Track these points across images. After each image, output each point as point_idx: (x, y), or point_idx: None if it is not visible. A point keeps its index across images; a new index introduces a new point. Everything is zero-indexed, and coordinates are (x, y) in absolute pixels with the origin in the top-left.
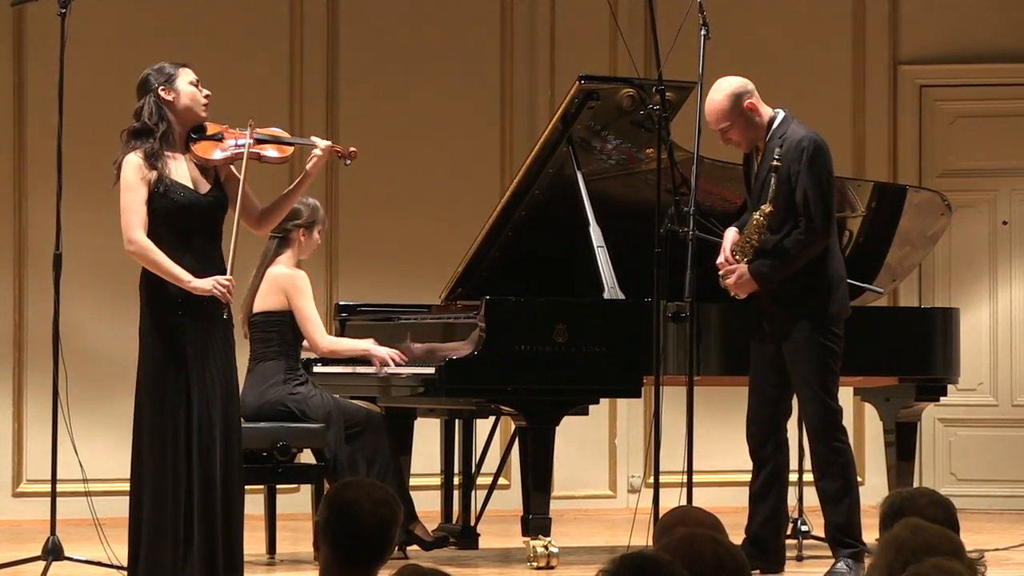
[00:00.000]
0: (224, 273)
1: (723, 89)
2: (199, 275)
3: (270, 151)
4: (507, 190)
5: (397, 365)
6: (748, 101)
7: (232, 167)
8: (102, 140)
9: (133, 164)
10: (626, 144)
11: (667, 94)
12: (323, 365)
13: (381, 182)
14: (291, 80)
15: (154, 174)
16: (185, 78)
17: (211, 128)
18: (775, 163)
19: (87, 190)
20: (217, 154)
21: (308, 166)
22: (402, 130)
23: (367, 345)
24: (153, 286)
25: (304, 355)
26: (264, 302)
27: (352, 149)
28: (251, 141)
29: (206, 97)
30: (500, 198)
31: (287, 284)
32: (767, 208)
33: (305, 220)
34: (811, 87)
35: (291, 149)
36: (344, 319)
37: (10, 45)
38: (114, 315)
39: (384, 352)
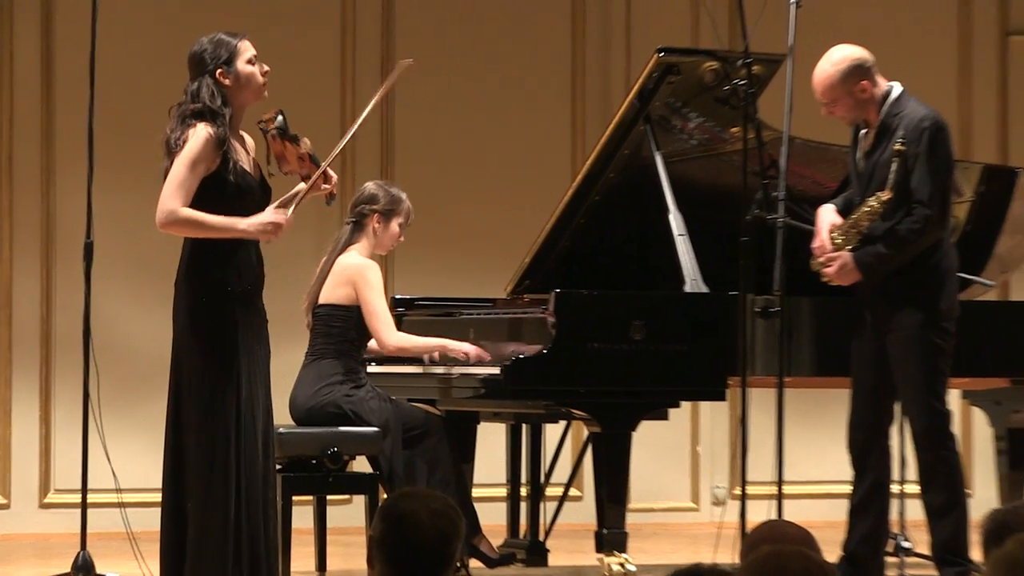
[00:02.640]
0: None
1: (836, 61)
2: (252, 269)
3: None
4: (579, 173)
5: (478, 363)
6: (862, 81)
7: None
8: (136, 119)
9: (205, 138)
10: (709, 123)
11: (754, 67)
12: (377, 364)
13: (441, 166)
14: (343, 55)
15: (220, 158)
16: (243, 56)
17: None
18: (899, 147)
19: (120, 173)
20: (294, 165)
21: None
22: (463, 109)
23: (443, 341)
24: (204, 276)
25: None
26: (330, 294)
27: (334, 192)
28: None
29: (265, 74)
30: (571, 182)
31: (355, 276)
32: (886, 195)
33: (382, 206)
34: (912, 61)
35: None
36: (401, 314)
37: (38, 19)
38: (150, 308)
39: (464, 346)
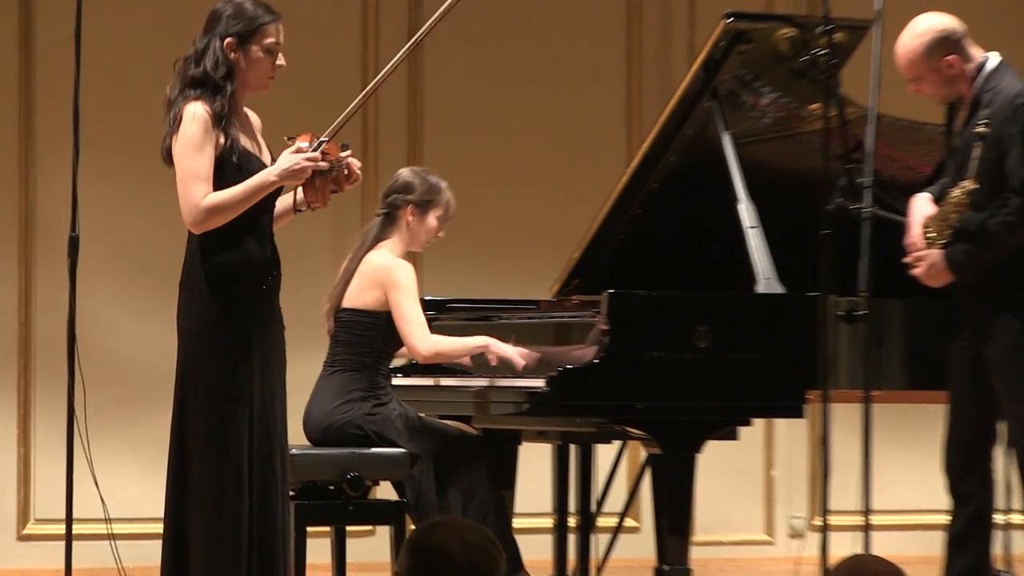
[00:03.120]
0: (278, 265)
1: (920, 33)
2: (268, 265)
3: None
4: (635, 157)
5: (527, 368)
6: (950, 55)
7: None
8: (127, 97)
9: (201, 118)
10: (784, 98)
11: (836, 35)
12: (403, 376)
13: (476, 150)
14: (364, 16)
15: (223, 138)
16: (263, 40)
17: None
18: (981, 129)
19: (110, 156)
20: (323, 199)
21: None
22: (502, 84)
23: (483, 341)
24: (213, 273)
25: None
26: (356, 297)
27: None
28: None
29: (276, 69)
30: (626, 167)
31: (385, 278)
32: (970, 184)
33: (418, 196)
34: (1014, 28)
35: None
36: (431, 318)
37: None
38: (147, 311)
39: (508, 349)
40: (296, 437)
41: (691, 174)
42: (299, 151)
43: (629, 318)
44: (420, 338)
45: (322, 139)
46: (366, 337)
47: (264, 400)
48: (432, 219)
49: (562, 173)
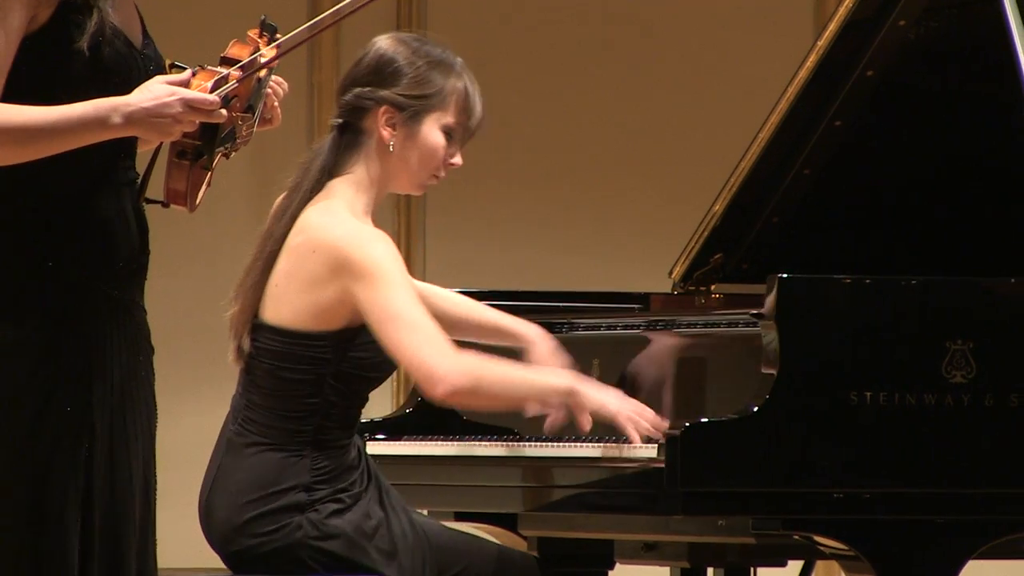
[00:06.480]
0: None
1: None
2: (122, 238)
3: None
4: (828, 26)
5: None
6: None
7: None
8: None
9: None
10: None
11: None
12: (389, 439)
13: (516, 37)
14: None
15: (86, 12)
16: None
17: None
18: None
19: None
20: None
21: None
22: None
23: (569, 383)
24: (28, 248)
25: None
26: (283, 304)
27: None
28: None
29: None
30: (813, 42)
31: (339, 260)
32: None
33: (400, 86)
34: None
35: None
36: None
37: None
38: None
39: (619, 404)
40: (193, 554)
41: (934, 58)
42: (186, 84)
43: (817, 326)
44: (440, 357)
45: (227, 73)
46: (302, 383)
47: (113, 484)
48: (432, 129)
49: (673, 67)
